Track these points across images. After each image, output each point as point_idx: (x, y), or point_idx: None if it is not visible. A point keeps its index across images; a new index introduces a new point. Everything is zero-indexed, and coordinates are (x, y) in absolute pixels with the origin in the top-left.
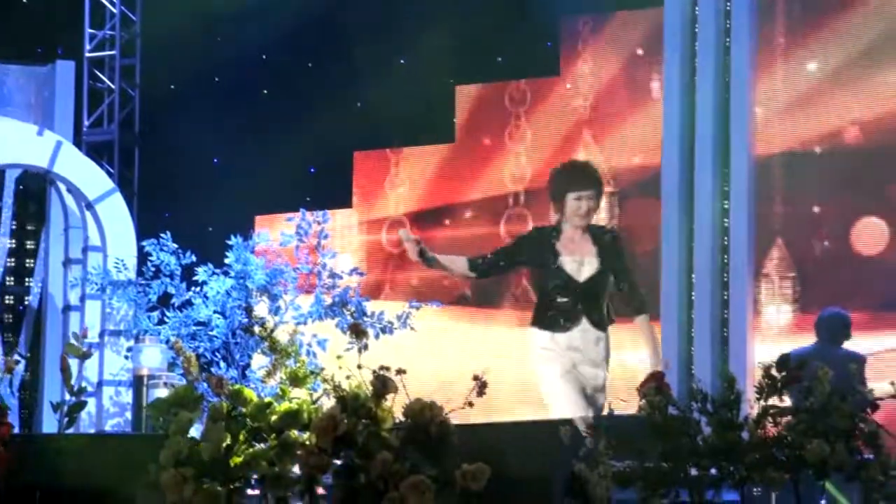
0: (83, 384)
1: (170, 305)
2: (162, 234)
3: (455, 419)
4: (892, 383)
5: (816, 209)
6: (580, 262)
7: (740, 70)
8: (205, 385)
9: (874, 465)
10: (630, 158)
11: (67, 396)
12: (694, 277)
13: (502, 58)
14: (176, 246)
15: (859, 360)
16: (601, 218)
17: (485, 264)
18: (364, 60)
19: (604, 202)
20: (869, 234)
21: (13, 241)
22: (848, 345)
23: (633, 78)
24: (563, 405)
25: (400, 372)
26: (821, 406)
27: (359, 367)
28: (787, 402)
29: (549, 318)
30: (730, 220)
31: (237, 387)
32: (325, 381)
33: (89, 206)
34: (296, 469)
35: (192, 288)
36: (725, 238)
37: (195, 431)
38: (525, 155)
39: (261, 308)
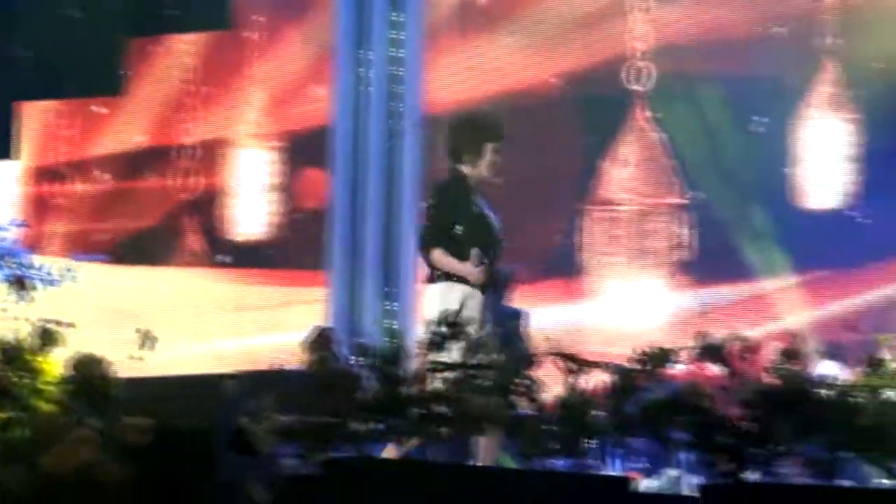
0: None
1: None
2: None
3: (127, 373)
4: (548, 339)
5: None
6: (494, 218)
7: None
8: None
9: (532, 419)
10: (301, 113)
11: None
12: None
13: (175, 11)
14: None
15: (520, 315)
16: (270, 174)
17: (438, 236)
18: (34, 10)
19: (273, 157)
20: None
21: None
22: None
23: (307, 29)
24: None
25: (68, 325)
26: (485, 361)
27: (19, 319)
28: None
29: (490, 277)
30: (397, 176)
31: None
32: None
33: None
34: None
35: None
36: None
37: None
38: (197, 108)
39: None
